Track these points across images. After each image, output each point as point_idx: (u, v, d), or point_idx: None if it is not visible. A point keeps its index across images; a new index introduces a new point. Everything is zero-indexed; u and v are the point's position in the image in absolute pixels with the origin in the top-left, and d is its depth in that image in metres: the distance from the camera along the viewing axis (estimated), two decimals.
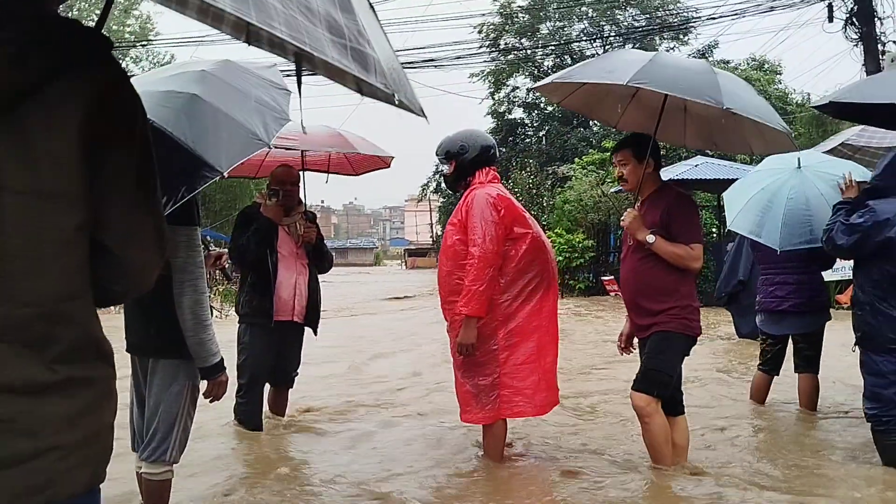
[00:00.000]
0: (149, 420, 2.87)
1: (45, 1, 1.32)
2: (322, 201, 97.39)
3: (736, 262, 8.25)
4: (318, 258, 4.87)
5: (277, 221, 4.56)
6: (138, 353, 2.94)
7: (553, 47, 28.15)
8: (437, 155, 4.19)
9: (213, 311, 14.97)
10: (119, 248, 1.39)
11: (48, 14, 1.31)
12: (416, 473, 3.90)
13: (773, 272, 5.05)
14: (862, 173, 4.53)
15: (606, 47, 28.16)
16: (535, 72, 30.21)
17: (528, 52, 29.71)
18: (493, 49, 29.49)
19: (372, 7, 1.37)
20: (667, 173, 16.07)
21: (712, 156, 16.05)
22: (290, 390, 5.06)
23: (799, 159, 4.92)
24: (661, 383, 3.55)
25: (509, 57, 29.98)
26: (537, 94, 31.21)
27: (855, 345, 3.93)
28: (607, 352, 8.04)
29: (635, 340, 3.96)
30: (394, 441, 4.58)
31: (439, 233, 43.74)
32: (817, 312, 4.95)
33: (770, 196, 4.83)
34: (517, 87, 32.24)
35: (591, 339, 9.62)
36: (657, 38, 28.55)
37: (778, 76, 25.76)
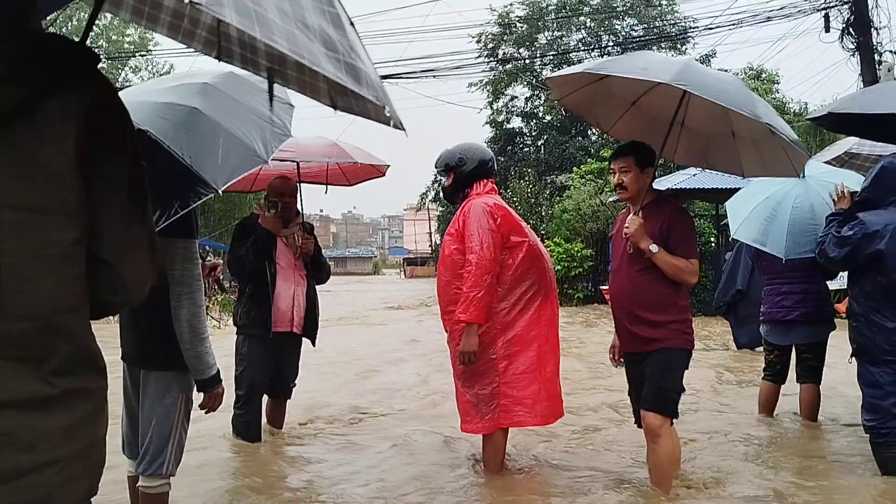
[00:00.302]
0: (143, 433, 2.86)
1: (30, 18, 1.33)
2: (321, 210, 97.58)
3: (734, 272, 8.22)
4: (316, 269, 4.88)
5: (276, 233, 4.57)
6: (132, 364, 2.94)
7: (551, 57, 28.23)
8: (436, 167, 4.24)
9: (212, 321, 15.01)
10: (116, 260, 1.40)
11: (33, 31, 1.33)
12: (415, 486, 3.88)
13: (778, 282, 5.03)
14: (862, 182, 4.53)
15: (604, 57, 28.25)
16: (534, 81, 30.30)
17: (527, 61, 29.82)
18: (492, 59, 29.59)
19: (352, 23, 1.38)
20: (664, 183, 16.12)
21: None
22: (289, 401, 5.06)
23: (803, 168, 4.93)
24: (674, 402, 3.50)
25: (507, 66, 30.07)
26: (535, 103, 31.35)
27: (851, 356, 3.94)
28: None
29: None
30: (393, 453, 4.56)
31: (438, 242, 43.78)
32: (824, 322, 4.93)
33: (775, 205, 4.82)
34: (515, 97, 32.35)
35: (593, 350, 9.60)
36: (655, 47, 28.67)
37: (775, 85, 25.88)
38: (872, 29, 13.83)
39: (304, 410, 5.63)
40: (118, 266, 1.40)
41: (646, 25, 28.36)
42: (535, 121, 32.14)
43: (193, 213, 2.70)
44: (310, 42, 1.19)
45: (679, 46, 28.19)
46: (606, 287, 18.64)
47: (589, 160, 23.12)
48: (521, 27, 29.93)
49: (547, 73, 29.97)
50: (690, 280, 3.52)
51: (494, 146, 31.71)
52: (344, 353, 9.51)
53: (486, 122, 32.83)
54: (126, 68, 25.80)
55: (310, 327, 4.80)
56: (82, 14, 26.26)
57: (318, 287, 4.95)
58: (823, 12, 14.22)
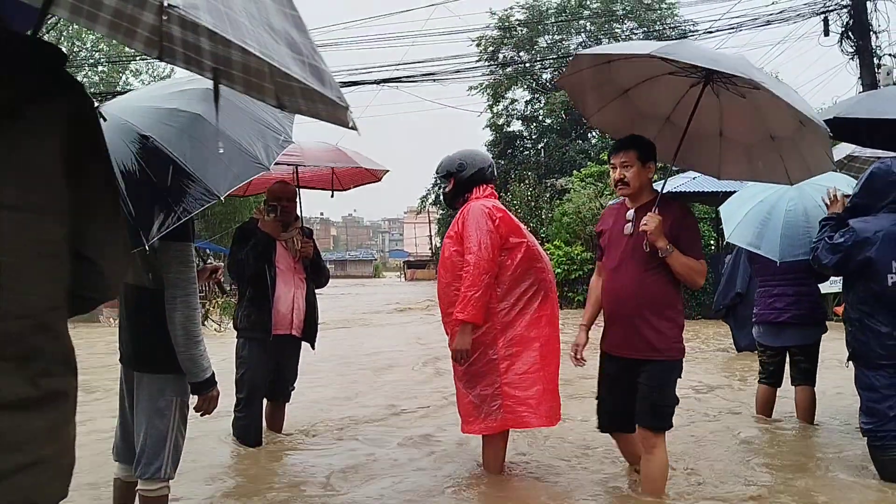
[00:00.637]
0: (138, 436, 2.87)
1: (3, 18, 1.36)
2: (321, 213, 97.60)
3: (734, 275, 8.26)
4: (316, 273, 4.91)
5: (275, 236, 4.59)
6: (128, 366, 2.96)
7: (551, 60, 28.28)
8: (437, 173, 4.30)
9: (213, 323, 15.01)
10: (98, 258, 1.43)
11: (8, 31, 1.35)
12: (415, 489, 3.89)
13: (771, 284, 5.06)
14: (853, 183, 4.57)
15: None
16: (534, 84, 30.35)
17: (527, 65, 29.84)
18: (492, 62, 29.61)
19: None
20: (665, 186, 16.14)
21: None
22: (289, 405, 5.08)
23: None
24: (670, 416, 3.47)
25: (508, 70, 30.11)
26: (536, 106, 31.38)
27: (848, 360, 3.95)
28: None
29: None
30: (393, 457, 4.56)
31: (438, 244, 43.76)
32: (816, 324, 4.96)
33: (769, 208, 4.87)
34: (515, 100, 32.39)
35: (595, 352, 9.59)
36: None
37: None
38: (871, 33, 13.86)
39: (304, 414, 5.63)
40: (100, 263, 1.43)
41: (646, 29, 28.39)
42: (535, 124, 32.18)
43: (190, 218, 2.69)
44: (276, 45, 1.22)
45: None
46: None
47: (589, 163, 23.15)
48: (522, 31, 29.96)
49: (547, 76, 30.05)
50: (700, 281, 3.46)
51: (494, 149, 31.74)
52: (344, 357, 9.51)
53: (487, 126, 32.88)
54: (127, 72, 25.77)
55: (309, 331, 4.83)
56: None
57: (318, 291, 4.98)
58: (822, 16, 14.24)
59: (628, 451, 3.83)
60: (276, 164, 4.90)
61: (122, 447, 3.04)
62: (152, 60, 28.27)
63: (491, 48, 30.20)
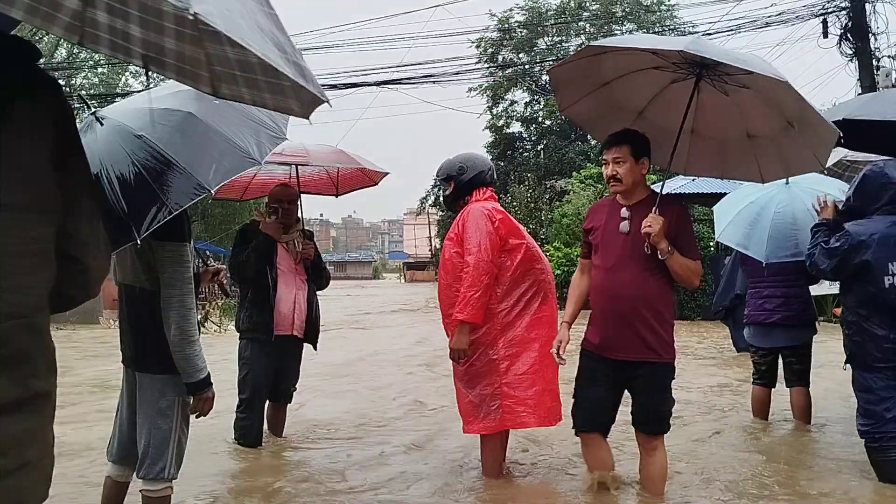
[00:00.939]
0: (140, 437, 2.88)
1: None
2: (321, 215, 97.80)
3: (733, 276, 8.23)
4: (316, 275, 4.94)
5: (277, 238, 4.63)
6: (130, 367, 2.97)
7: (551, 62, 28.31)
8: (437, 177, 4.35)
9: (213, 325, 15.01)
10: (83, 256, 1.43)
11: None
12: (415, 491, 3.90)
13: (761, 286, 5.10)
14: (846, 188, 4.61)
15: None
16: (533, 86, 30.36)
17: (526, 66, 29.88)
18: (492, 64, 29.65)
19: None
20: (664, 187, 16.15)
21: None
22: (290, 407, 5.10)
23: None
24: (669, 418, 3.45)
25: (507, 72, 30.14)
26: (535, 108, 31.42)
27: (845, 363, 3.96)
28: None
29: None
30: (393, 459, 4.57)
31: (438, 246, 43.77)
32: (805, 326, 4.99)
33: (759, 210, 4.93)
34: (515, 102, 32.42)
35: None
36: None
37: None
38: (870, 35, 13.88)
39: (305, 416, 5.64)
40: (85, 261, 1.43)
41: (645, 31, 28.43)
42: (534, 125, 32.21)
43: (185, 217, 2.76)
44: (265, 44, 1.23)
45: None
46: None
47: (588, 165, 23.17)
48: (521, 32, 30.00)
49: (546, 78, 30.05)
50: (696, 282, 3.42)
51: (494, 151, 31.77)
52: (345, 359, 9.51)
53: (486, 127, 32.92)
54: (127, 73, 25.78)
55: (311, 331, 4.86)
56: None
57: (318, 293, 4.99)
58: (821, 18, 14.27)
59: (598, 456, 3.59)
60: (284, 163, 5.04)
61: (118, 448, 3.04)
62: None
63: (490, 50, 30.24)
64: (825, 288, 6.14)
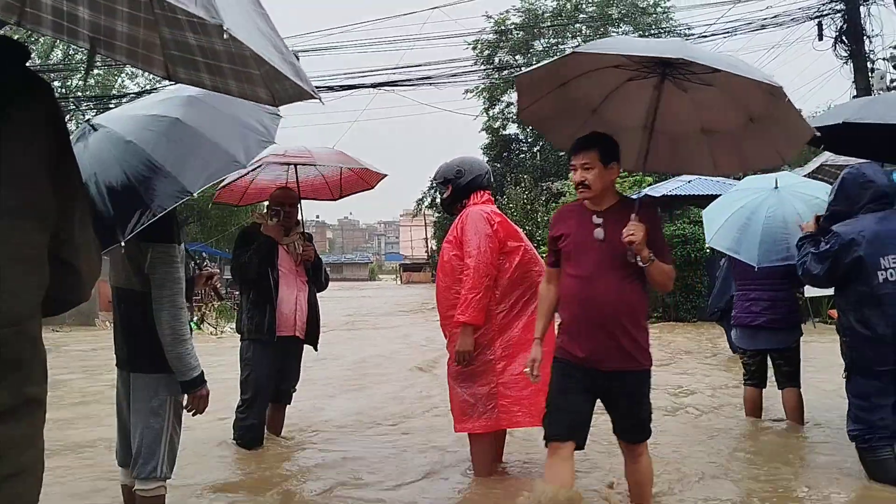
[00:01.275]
0: (134, 437, 2.92)
1: None
2: (317, 216, 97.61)
3: (728, 278, 8.21)
4: (316, 276, 5.01)
5: (278, 240, 4.71)
6: (124, 368, 3.02)
7: None
8: (434, 180, 4.42)
9: (210, 328, 15.01)
10: (76, 260, 1.42)
11: None
12: (410, 491, 3.92)
13: (748, 288, 5.15)
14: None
15: None
16: None
17: (523, 68, 29.86)
18: (488, 66, 29.68)
19: None
20: (659, 189, 16.19)
21: None
22: (290, 408, 5.14)
23: (776, 180, 5.11)
24: (650, 424, 3.36)
25: (504, 73, 30.16)
26: None
27: (845, 371, 3.96)
28: None
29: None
30: (390, 458, 4.59)
31: (434, 247, 43.76)
32: (790, 329, 5.04)
33: (749, 214, 4.99)
34: (511, 103, 32.40)
35: None
36: None
37: None
38: (865, 37, 13.93)
39: (305, 417, 5.66)
40: (77, 265, 1.42)
41: (641, 33, 28.48)
42: (531, 127, 32.21)
43: (174, 219, 2.84)
44: (265, 42, 1.24)
45: None
46: None
47: None
48: (518, 34, 30.03)
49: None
50: (671, 286, 3.34)
51: (491, 152, 31.78)
52: (343, 360, 9.53)
53: (483, 129, 32.92)
54: (123, 75, 25.72)
55: (312, 332, 4.92)
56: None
57: (317, 294, 5.04)
58: (817, 21, 14.32)
59: (562, 470, 3.23)
60: (288, 163, 5.14)
61: (122, 451, 3.07)
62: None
63: (487, 52, 30.26)
64: (818, 290, 6.16)
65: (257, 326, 4.63)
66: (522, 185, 25.19)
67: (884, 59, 14.95)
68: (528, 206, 23.61)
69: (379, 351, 10.78)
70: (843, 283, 3.87)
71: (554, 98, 3.58)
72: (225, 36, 1.07)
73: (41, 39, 22.09)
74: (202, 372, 2.91)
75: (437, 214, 38.59)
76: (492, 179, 4.35)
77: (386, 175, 5.64)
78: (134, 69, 27.52)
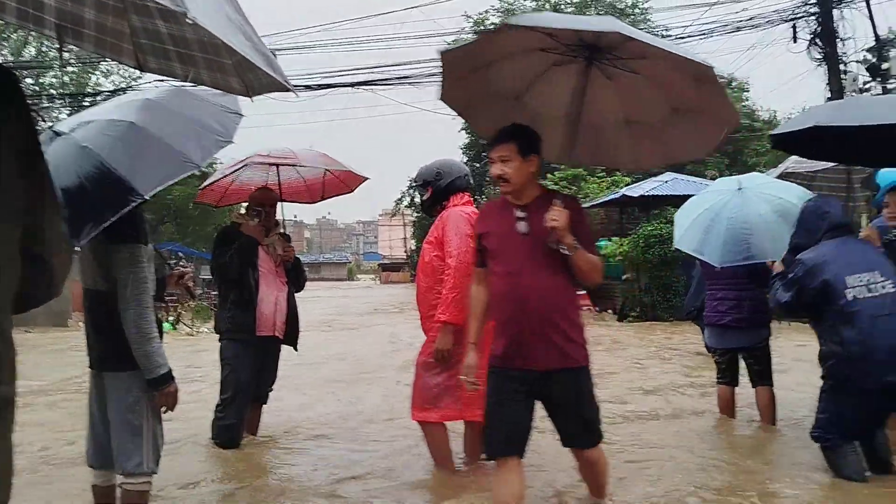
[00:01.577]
0: (115, 436, 2.96)
1: None
2: (295, 216, 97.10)
3: (704, 278, 8.36)
4: (296, 276, 5.04)
5: (260, 240, 4.74)
6: (97, 369, 3.06)
7: None
8: (415, 182, 4.45)
9: (185, 327, 14.89)
10: (48, 256, 1.42)
11: None
12: (388, 489, 3.91)
13: (716, 288, 5.24)
14: (801, 193, 4.84)
15: None
16: None
17: None
18: None
19: None
20: (636, 190, 16.33)
21: (681, 171, 16.22)
22: (267, 408, 5.13)
23: (740, 181, 5.26)
24: (600, 426, 3.22)
25: None
26: None
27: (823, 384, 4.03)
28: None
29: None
30: (365, 456, 4.57)
31: (413, 247, 43.76)
32: (757, 328, 5.09)
33: (713, 216, 5.08)
34: None
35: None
36: None
37: (745, 93, 26.30)
38: (838, 40, 14.14)
39: (279, 417, 5.63)
40: (50, 261, 1.42)
41: None
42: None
43: (140, 220, 2.89)
44: (235, 31, 1.23)
45: None
46: (581, 292, 18.78)
47: (562, 167, 23.30)
48: None
49: None
50: (599, 279, 3.20)
51: (470, 152, 31.82)
52: (320, 360, 9.48)
53: (462, 129, 32.92)
54: (97, 72, 25.41)
55: (291, 332, 4.94)
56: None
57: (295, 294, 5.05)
58: (791, 23, 14.51)
59: (511, 484, 3.11)
60: (274, 164, 5.17)
61: (94, 452, 3.11)
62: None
63: None
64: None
65: (238, 326, 4.63)
66: None
67: (856, 61, 15.19)
68: None
69: (360, 350, 10.75)
70: (816, 311, 3.97)
71: (477, 82, 3.41)
72: (189, 22, 1.06)
73: (13, 36, 21.76)
74: (170, 370, 2.95)
75: (416, 214, 38.62)
76: (471, 181, 4.40)
77: (367, 178, 5.65)
78: (109, 67, 27.25)
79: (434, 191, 4.27)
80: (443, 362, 3.92)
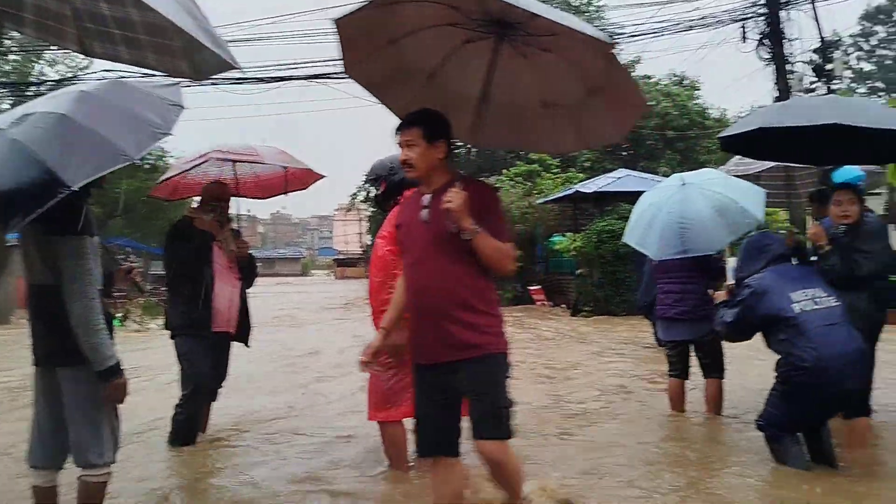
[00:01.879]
0: (72, 429, 2.95)
1: None
2: (248, 210, 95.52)
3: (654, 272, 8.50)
4: (249, 272, 5.00)
5: (216, 235, 4.69)
6: (45, 365, 3.03)
7: None
8: (368, 177, 4.42)
9: (134, 324, 14.57)
10: None
11: None
12: (345, 486, 3.91)
13: (663, 282, 5.38)
14: (746, 187, 5.16)
15: None
16: None
17: None
18: None
19: None
20: (590, 186, 16.52)
21: (634, 168, 16.43)
22: (218, 405, 5.09)
23: (683, 178, 5.46)
24: (509, 420, 2.94)
25: None
26: None
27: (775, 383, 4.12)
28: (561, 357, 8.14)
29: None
30: (322, 453, 4.56)
31: (368, 242, 43.50)
32: (700, 320, 5.18)
33: (655, 211, 5.26)
34: None
35: (522, 346, 9.73)
36: None
37: (697, 91, 26.79)
38: (786, 40, 14.51)
39: (232, 412, 5.59)
40: None
41: None
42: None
43: (83, 211, 2.87)
44: (179, 11, 1.21)
45: None
46: (534, 287, 18.77)
47: (518, 163, 23.45)
48: None
49: None
50: (510, 266, 3.02)
51: None
52: (272, 356, 9.40)
53: None
54: (41, 61, 24.62)
55: (244, 328, 4.93)
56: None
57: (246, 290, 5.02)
58: (741, 23, 14.85)
59: (447, 483, 3.08)
60: (237, 160, 5.17)
61: (40, 451, 3.07)
62: (68, 50, 27.09)
63: None
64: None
65: (193, 321, 4.57)
66: None
67: (802, 62, 15.63)
68: None
69: (312, 346, 10.69)
70: (768, 331, 4.07)
71: (384, 59, 3.26)
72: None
73: None
74: (118, 362, 2.93)
75: (371, 209, 38.35)
76: None
77: (324, 176, 5.63)
78: (55, 56, 26.43)
79: (388, 185, 4.23)
80: (398, 357, 3.86)
